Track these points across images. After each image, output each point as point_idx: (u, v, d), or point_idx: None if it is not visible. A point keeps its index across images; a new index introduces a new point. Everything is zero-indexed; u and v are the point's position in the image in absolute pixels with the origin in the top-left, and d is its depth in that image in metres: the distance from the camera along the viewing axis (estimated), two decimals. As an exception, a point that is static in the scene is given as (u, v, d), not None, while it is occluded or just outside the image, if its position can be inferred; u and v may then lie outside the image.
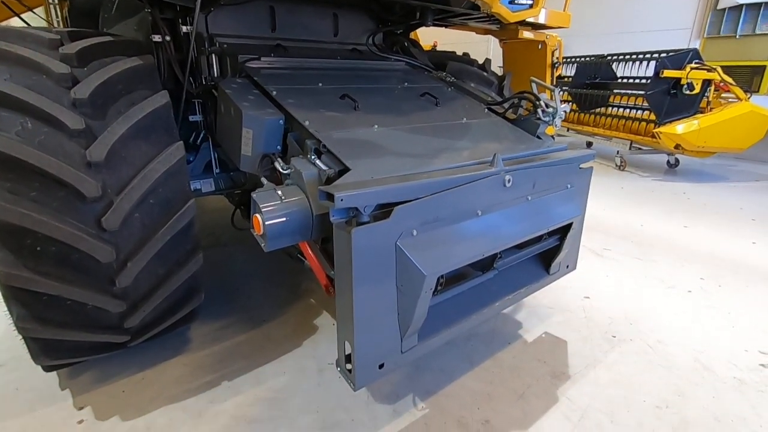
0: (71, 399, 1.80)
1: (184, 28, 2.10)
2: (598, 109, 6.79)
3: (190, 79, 2.08)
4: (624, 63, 6.46)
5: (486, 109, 2.34)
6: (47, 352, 1.58)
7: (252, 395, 1.84)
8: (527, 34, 3.70)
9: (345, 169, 1.46)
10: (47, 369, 1.78)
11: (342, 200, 1.17)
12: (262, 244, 1.44)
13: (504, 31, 3.56)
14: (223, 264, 3.06)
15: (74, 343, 1.60)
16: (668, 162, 6.47)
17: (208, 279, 2.19)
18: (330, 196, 1.18)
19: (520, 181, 1.64)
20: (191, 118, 2.22)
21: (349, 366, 1.39)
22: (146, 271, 1.58)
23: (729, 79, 5.27)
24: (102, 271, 1.49)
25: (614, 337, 2.30)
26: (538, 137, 2.09)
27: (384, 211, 1.30)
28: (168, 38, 2.06)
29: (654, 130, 5.45)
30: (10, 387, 1.86)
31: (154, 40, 2.04)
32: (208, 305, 2.34)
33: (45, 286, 1.39)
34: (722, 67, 5.33)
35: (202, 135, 2.27)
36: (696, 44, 8.29)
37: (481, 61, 3.28)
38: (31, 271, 1.37)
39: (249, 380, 1.93)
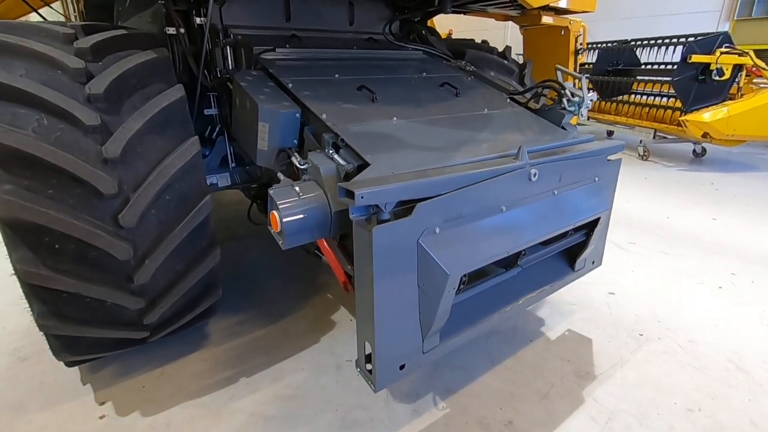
0: (93, 393, 1.81)
1: (198, 20, 2.06)
2: (620, 97, 6.57)
3: (205, 71, 2.05)
4: (648, 48, 6.21)
5: (508, 99, 2.25)
6: (68, 348, 1.59)
7: (270, 392, 1.83)
8: (549, 20, 3.56)
9: (364, 164, 1.40)
10: (69, 364, 1.80)
11: (362, 197, 1.13)
12: (280, 242, 1.40)
13: (525, 16, 3.43)
14: (239, 258, 3.05)
15: (94, 339, 1.60)
16: (694, 151, 6.24)
17: (225, 273, 2.18)
18: (350, 194, 1.13)
19: (546, 175, 1.57)
20: (206, 111, 2.19)
21: (369, 366, 1.36)
22: (164, 267, 1.57)
23: (762, 64, 5.02)
24: (120, 268, 1.48)
25: (641, 335, 2.21)
26: (563, 128, 2.00)
27: (405, 207, 1.25)
28: (182, 30, 2.03)
29: (680, 118, 5.24)
30: (35, 381, 1.89)
31: (168, 32, 2.01)
32: (226, 300, 2.33)
33: (64, 283, 1.39)
34: (754, 50, 5.08)
35: (217, 129, 2.25)
36: (725, 27, 7.96)
37: (500, 49, 3.17)
38: (50, 269, 1.37)
39: (267, 377, 1.91)
